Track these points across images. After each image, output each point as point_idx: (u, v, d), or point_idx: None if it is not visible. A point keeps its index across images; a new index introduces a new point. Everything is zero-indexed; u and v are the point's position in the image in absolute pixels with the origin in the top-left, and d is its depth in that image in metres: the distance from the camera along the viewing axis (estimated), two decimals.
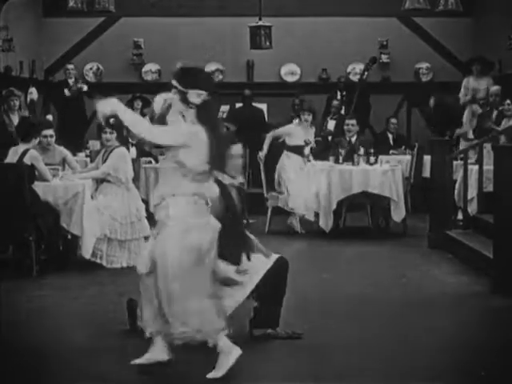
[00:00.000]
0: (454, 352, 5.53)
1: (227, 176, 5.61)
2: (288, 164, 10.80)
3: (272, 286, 5.70)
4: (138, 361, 5.13)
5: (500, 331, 6.13)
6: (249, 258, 5.65)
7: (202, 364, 5.12)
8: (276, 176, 10.85)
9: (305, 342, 5.71)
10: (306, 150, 10.77)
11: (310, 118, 10.88)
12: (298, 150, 10.81)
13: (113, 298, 6.88)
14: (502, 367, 5.26)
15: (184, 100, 4.95)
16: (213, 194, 5.17)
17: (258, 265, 5.68)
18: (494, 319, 6.54)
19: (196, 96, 4.94)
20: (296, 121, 11.68)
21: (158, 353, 5.10)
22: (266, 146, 10.84)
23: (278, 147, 11.44)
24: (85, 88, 13.20)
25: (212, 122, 5.00)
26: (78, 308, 6.73)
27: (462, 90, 12.71)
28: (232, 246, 5.48)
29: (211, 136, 4.92)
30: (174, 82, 4.97)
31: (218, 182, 5.43)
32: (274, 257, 5.80)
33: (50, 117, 12.14)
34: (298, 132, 10.85)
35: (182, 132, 4.92)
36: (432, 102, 13.10)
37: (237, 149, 5.71)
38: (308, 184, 10.28)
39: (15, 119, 11.24)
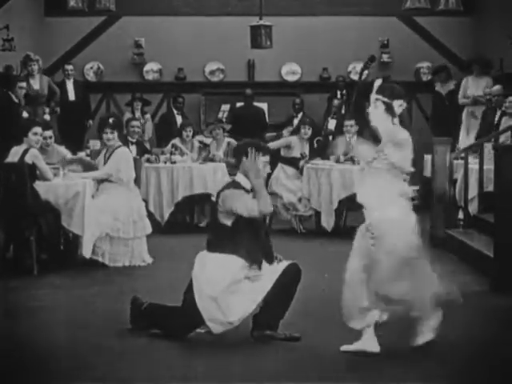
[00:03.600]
0: (454, 351, 5.54)
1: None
2: (282, 177, 10.74)
3: (281, 290, 5.74)
4: (346, 347, 5.41)
5: (501, 330, 6.13)
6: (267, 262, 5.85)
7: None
8: (269, 185, 10.77)
9: (305, 341, 5.72)
10: (301, 163, 10.70)
11: (309, 132, 10.84)
12: (293, 162, 10.77)
13: (114, 297, 6.89)
14: (503, 366, 5.26)
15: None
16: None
17: (269, 273, 5.77)
18: (495, 318, 6.54)
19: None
20: (286, 131, 11.82)
21: (369, 343, 5.40)
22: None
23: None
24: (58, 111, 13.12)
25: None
26: (79, 307, 6.73)
27: (461, 90, 12.71)
28: (255, 248, 5.76)
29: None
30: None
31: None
32: (284, 264, 5.86)
33: (47, 117, 12.13)
34: (296, 144, 10.82)
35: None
36: None
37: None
38: (304, 186, 10.32)
39: (35, 84, 12.03)
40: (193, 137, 11.73)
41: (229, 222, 5.72)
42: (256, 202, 5.67)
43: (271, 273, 5.78)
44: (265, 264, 5.85)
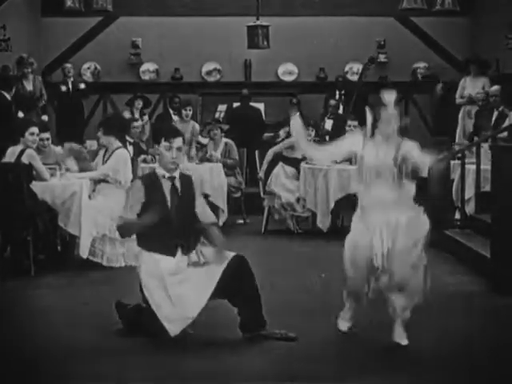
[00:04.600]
0: (451, 351, 5.54)
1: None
2: (282, 176, 10.70)
3: (239, 287, 5.70)
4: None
5: (497, 330, 6.14)
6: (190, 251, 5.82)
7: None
8: (268, 184, 10.74)
9: (303, 341, 5.72)
10: (302, 164, 10.67)
11: (313, 133, 10.79)
12: (294, 162, 10.72)
13: (110, 298, 6.86)
14: (500, 366, 5.27)
15: None
16: None
17: (214, 258, 5.75)
18: (492, 318, 6.55)
19: None
20: (282, 131, 11.83)
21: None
22: (266, 164, 10.75)
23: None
24: (82, 86, 13.24)
25: None
26: (76, 308, 6.73)
27: (459, 89, 12.72)
28: (166, 238, 5.73)
29: None
30: None
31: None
32: (229, 255, 5.79)
33: (45, 117, 12.14)
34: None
35: None
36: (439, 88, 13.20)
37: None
38: (300, 186, 10.30)
39: (29, 85, 12.19)
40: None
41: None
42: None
43: (218, 259, 5.75)
44: (207, 249, 5.85)
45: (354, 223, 5.76)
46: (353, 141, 5.74)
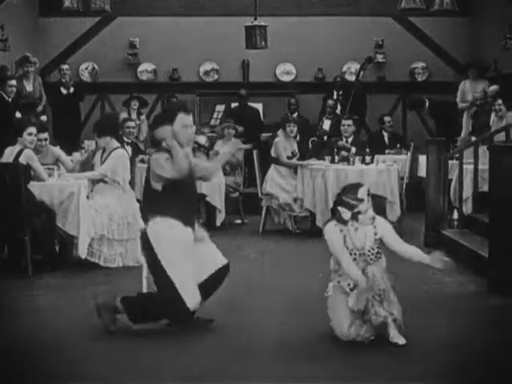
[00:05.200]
0: (450, 351, 5.53)
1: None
2: (277, 177, 10.66)
3: (212, 288, 6.00)
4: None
5: (496, 330, 6.13)
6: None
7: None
8: (263, 187, 10.71)
9: (302, 340, 5.72)
10: (293, 161, 10.62)
11: (295, 129, 10.77)
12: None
13: (109, 298, 6.88)
14: (498, 367, 5.27)
15: None
16: None
17: (207, 260, 5.96)
18: (490, 318, 6.54)
19: None
20: (280, 131, 11.84)
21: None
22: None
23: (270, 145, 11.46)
24: (71, 90, 13.19)
25: None
26: (74, 308, 6.72)
27: (459, 94, 12.69)
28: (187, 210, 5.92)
29: None
30: None
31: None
32: (223, 261, 6.05)
33: (44, 118, 12.13)
34: (286, 144, 10.75)
35: None
36: (427, 105, 13.19)
37: None
38: (298, 187, 10.29)
39: (29, 85, 12.14)
40: None
41: (159, 187, 5.83)
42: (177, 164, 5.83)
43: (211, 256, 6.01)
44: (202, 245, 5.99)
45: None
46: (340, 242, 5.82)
